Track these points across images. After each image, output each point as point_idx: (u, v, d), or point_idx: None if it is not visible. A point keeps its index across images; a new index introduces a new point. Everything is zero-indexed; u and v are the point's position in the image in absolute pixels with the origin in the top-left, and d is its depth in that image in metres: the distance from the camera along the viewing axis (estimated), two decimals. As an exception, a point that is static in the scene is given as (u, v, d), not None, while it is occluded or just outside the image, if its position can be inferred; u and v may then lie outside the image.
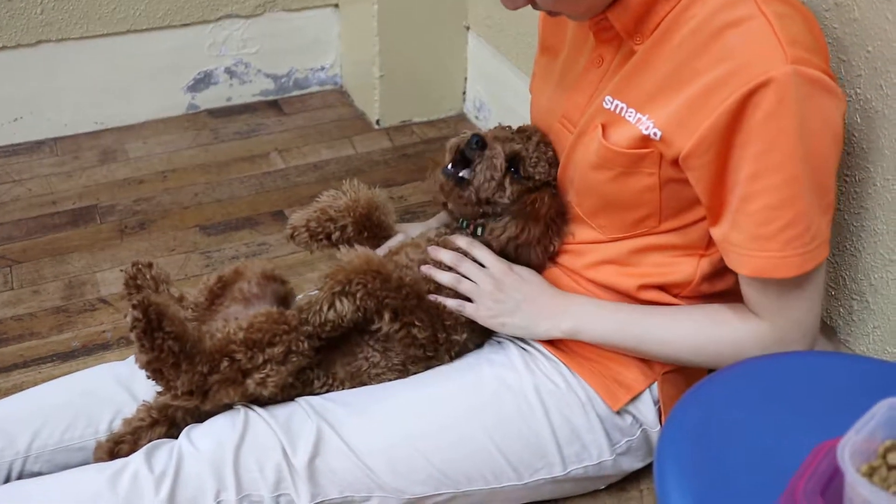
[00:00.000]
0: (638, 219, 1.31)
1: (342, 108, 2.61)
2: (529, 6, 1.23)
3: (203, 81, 2.54)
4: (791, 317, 1.24)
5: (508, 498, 1.38)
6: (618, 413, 1.36)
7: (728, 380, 1.14)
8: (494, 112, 2.43)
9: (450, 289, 1.38)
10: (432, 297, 1.37)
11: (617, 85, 1.27)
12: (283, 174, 2.34)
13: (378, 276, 1.31)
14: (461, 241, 1.41)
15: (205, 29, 2.49)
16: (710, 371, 1.31)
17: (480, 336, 1.43)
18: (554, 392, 1.35)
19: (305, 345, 1.29)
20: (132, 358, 1.47)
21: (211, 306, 1.39)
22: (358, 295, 1.30)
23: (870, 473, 0.90)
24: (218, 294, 1.40)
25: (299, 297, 1.48)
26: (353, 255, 1.34)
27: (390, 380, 1.37)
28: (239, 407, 1.31)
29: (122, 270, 1.95)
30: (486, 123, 2.46)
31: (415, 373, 1.38)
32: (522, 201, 1.38)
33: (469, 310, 1.37)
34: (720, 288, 1.34)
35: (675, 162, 1.22)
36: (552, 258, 1.41)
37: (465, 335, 1.39)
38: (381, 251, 1.45)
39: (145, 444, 1.31)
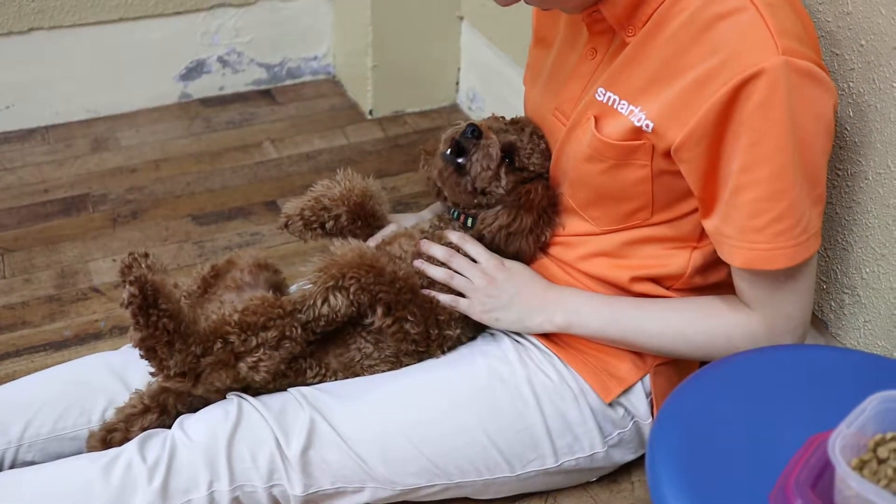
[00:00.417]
0: (630, 211, 1.31)
1: (335, 97, 2.61)
2: (521, 2, 1.23)
3: (196, 70, 2.53)
4: (782, 309, 1.24)
5: (501, 490, 1.38)
6: (610, 405, 1.37)
7: (720, 373, 1.15)
8: (487, 103, 2.43)
9: (443, 284, 1.38)
10: (426, 291, 1.37)
11: (609, 77, 1.27)
12: (276, 164, 2.34)
13: (371, 270, 1.31)
14: (453, 236, 1.41)
15: (197, 17, 2.48)
16: (703, 364, 1.32)
17: (473, 330, 1.43)
18: (547, 384, 1.35)
19: (299, 331, 1.29)
20: (125, 347, 1.48)
21: (204, 294, 1.39)
22: (351, 289, 1.30)
23: (860, 467, 0.91)
24: (211, 283, 1.40)
25: (292, 287, 1.48)
26: (347, 248, 1.34)
27: (383, 371, 1.37)
28: (232, 397, 1.31)
29: (114, 260, 1.97)
30: (479, 114, 2.46)
31: (408, 364, 1.38)
32: (517, 191, 1.38)
33: (462, 305, 1.37)
34: (713, 280, 1.35)
35: (667, 154, 1.22)
36: (542, 249, 1.42)
37: (458, 330, 1.40)
38: (374, 241, 1.45)
39: (137, 432, 1.32)
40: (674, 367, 1.38)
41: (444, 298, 1.37)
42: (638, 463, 1.47)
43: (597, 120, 1.27)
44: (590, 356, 1.37)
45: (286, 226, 1.47)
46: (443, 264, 1.39)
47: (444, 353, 1.39)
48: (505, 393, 1.34)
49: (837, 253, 1.44)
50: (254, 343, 1.27)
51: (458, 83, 2.56)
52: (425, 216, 1.54)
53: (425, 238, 1.42)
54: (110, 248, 2.03)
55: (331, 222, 1.45)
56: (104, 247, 2.03)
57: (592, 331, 1.34)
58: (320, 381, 1.36)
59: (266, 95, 2.60)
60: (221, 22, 2.50)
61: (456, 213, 1.45)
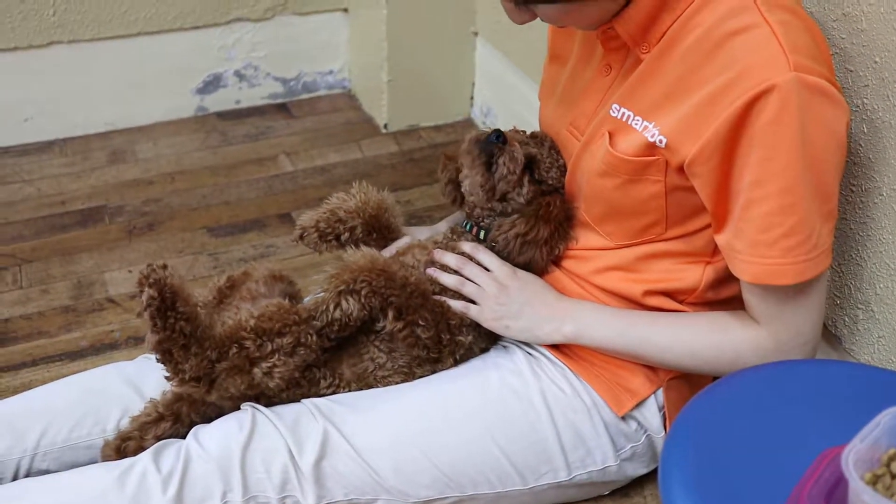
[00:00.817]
0: (644, 226, 1.31)
1: (350, 111, 2.62)
2: (537, 19, 1.24)
3: (212, 84, 2.55)
4: (791, 324, 1.24)
5: (513, 503, 1.38)
6: (623, 419, 1.37)
7: (733, 387, 1.15)
8: (501, 118, 2.44)
9: (455, 291, 1.39)
10: (437, 297, 1.38)
11: (624, 93, 1.28)
12: (291, 177, 2.35)
13: (382, 274, 1.32)
14: (466, 246, 1.42)
15: (215, 32, 2.50)
16: (716, 378, 1.32)
17: (486, 340, 1.43)
18: (560, 397, 1.35)
19: (314, 338, 1.30)
20: (140, 358, 1.49)
21: (219, 305, 1.40)
22: (363, 293, 1.31)
23: (874, 481, 0.91)
24: (226, 293, 1.42)
25: (306, 299, 1.49)
26: (359, 255, 1.35)
27: (396, 382, 1.38)
28: (247, 408, 1.32)
29: (130, 271, 1.98)
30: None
31: (420, 376, 1.38)
32: (536, 202, 1.39)
33: (473, 312, 1.38)
34: (725, 295, 1.35)
35: (680, 169, 1.23)
36: (555, 262, 1.42)
37: (469, 337, 1.40)
38: (389, 252, 1.46)
39: (151, 441, 1.32)
40: (686, 381, 1.38)
41: (455, 304, 1.38)
42: (650, 477, 1.47)
43: (611, 136, 1.28)
44: (603, 369, 1.37)
45: (301, 237, 1.48)
46: (455, 272, 1.40)
47: (456, 361, 1.39)
48: (518, 405, 1.34)
49: (851, 268, 1.44)
50: (269, 349, 1.28)
51: (472, 98, 2.58)
52: (439, 229, 1.55)
53: (439, 247, 1.43)
54: (126, 259, 2.04)
55: (346, 234, 1.46)
56: (120, 258, 2.05)
57: (601, 342, 1.34)
58: (333, 392, 1.36)
59: (282, 109, 2.62)
60: (238, 36, 2.53)
61: (469, 226, 1.46)
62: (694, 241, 1.31)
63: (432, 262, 1.41)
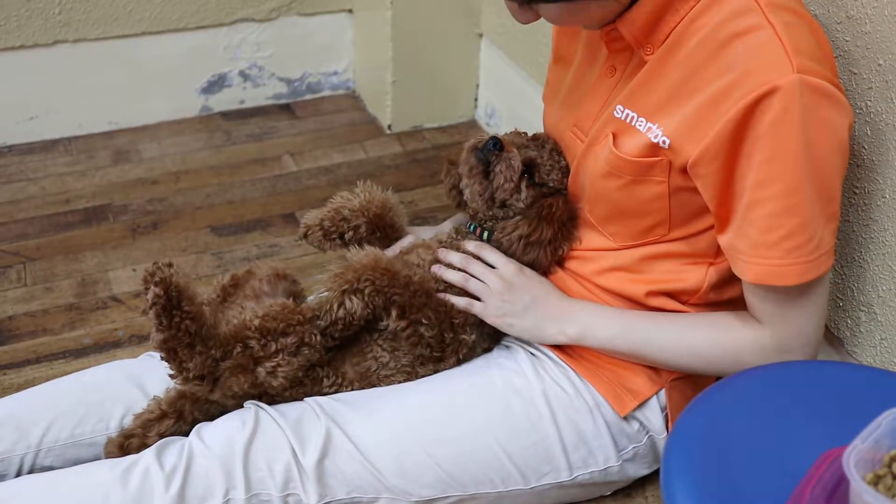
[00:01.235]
0: (648, 227, 1.32)
1: (354, 112, 2.63)
2: (541, 20, 1.24)
3: (217, 84, 2.56)
4: (792, 325, 1.25)
5: (514, 502, 1.39)
6: (625, 419, 1.37)
7: (735, 388, 1.15)
8: (506, 119, 2.44)
9: (459, 289, 1.39)
10: (441, 294, 1.38)
11: (628, 94, 1.28)
12: (295, 177, 2.35)
13: (386, 273, 1.33)
14: (470, 244, 1.42)
15: (219, 32, 2.50)
16: (718, 378, 1.32)
17: (489, 340, 1.43)
18: (562, 397, 1.35)
19: (318, 337, 1.31)
20: (143, 356, 1.49)
21: (223, 303, 1.40)
22: (366, 291, 1.31)
23: (875, 482, 0.91)
24: (230, 292, 1.42)
25: (309, 298, 1.49)
26: (363, 254, 1.35)
27: (399, 381, 1.38)
28: (250, 406, 1.32)
29: (134, 270, 1.99)
30: (497, 130, 2.47)
31: (423, 375, 1.39)
32: (539, 205, 1.39)
33: (477, 308, 1.38)
34: (728, 296, 1.35)
35: (683, 170, 1.23)
36: (559, 262, 1.42)
37: (473, 336, 1.40)
38: (392, 251, 1.46)
39: (154, 438, 1.33)
40: (689, 382, 1.39)
41: (458, 301, 1.38)
42: (652, 478, 1.47)
43: (615, 137, 1.28)
44: (605, 369, 1.37)
45: (305, 236, 1.48)
46: (460, 270, 1.40)
47: (459, 360, 1.40)
48: (520, 405, 1.34)
49: (854, 270, 1.44)
50: (273, 348, 1.28)
51: (476, 99, 2.58)
52: (443, 228, 1.55)
53: (443, 247, 1.43)
54: (130, 258, 2.05)
55: (350, 233, 1.46)
56: (124, 257, 2.05)
57: (604, 343, 1.35)
58: (336, 391, 1.36)
59: (286, 109, 2.63)
60: (243, 36, 2.53)
61: (473, 227, 1.46)
62: (697, 243, 1.31)
63: (437, 261, 1.41)
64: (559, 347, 1.39)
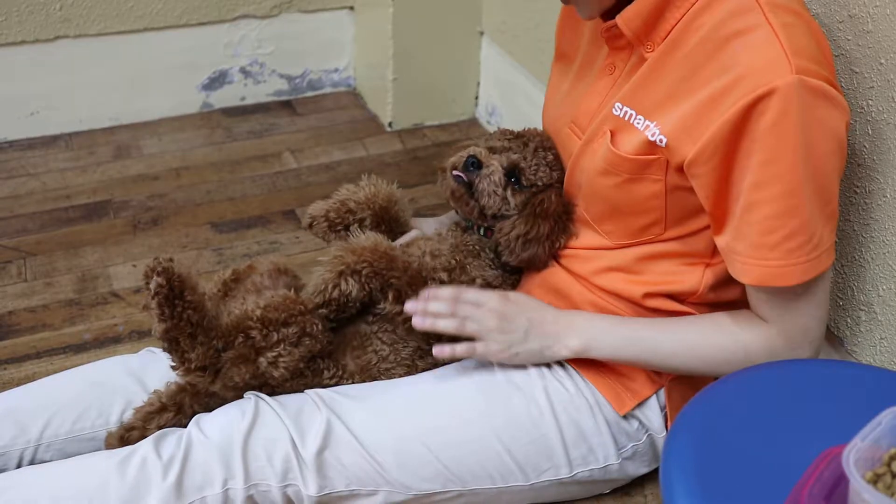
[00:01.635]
0: (643, 225, 1.32)
1: (355, 109, 2.63)
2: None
3: (218, 80, 2.56)
4: (798, 322, 1.25)
5: (514, 499, 1.39)
6: (625, 418, 1.37)
7: (734, 386, 1.15)
8: (506, 117, 2.44)
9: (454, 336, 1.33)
10: (438, 349, 1.33)
11: (627, 92, 1.28)
12: (296, 174, 2.35)
13: (385, 257, 1.33)
14: (444, 292, 1.34)
15: (221, 28, 2.50)
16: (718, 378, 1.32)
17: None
18: (562, 394, 1.35)
19: (319, 328, 1.31)
20: (144, 351, 1.49)
21: (224, 297, 1.41)
22: (364, 272, 1.31)
23: (874, 480, 0.91)
24: (231, 287, 1.42)
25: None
26: (363, 237, 1.36)
27: (399, 375, 1.38)
28: (250, 396, 1.33)
29: (135, 266, 1.99)
30: (497, 128, 2.47)
31: (423, 368, 1.39)
32: (532, 202, 1.39)
33: (480, 350, 1.33)
34: (727, 297, 1.35)
35: (680, 169, 1.23)
36: (555, 256, 1.42)
37: None
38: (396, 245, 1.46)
39: (154, 430, 1.33)
40: (688, 382, 1.38)
41: (460, 349, 1.33)
42: (651, 476, 1.47)
43: (613, 134, 1.28)
44: (606, 368, 1.37)
45: (311, 226, 1.48)
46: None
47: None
48: (521, 401, 1.34)
49: (854, 270, 1.44)
50: (275, 338, 1.28)
51: (477, 97, 2.58)
52: (445, 221, 1.56)
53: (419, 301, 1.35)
54: (130, 253, 2.05)
55: (355, 225, 1.46)
56: (125, 252, 2.05)
57: (610, 353, 1.33)
58: (337, 383, 1.37)
59: (287, 106, 2.63)
60: (244, 33, 2.53)
61: (471, 223, 1.46)
62: (692, 243, 1.31)
63: (424, 313, 1.33)
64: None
